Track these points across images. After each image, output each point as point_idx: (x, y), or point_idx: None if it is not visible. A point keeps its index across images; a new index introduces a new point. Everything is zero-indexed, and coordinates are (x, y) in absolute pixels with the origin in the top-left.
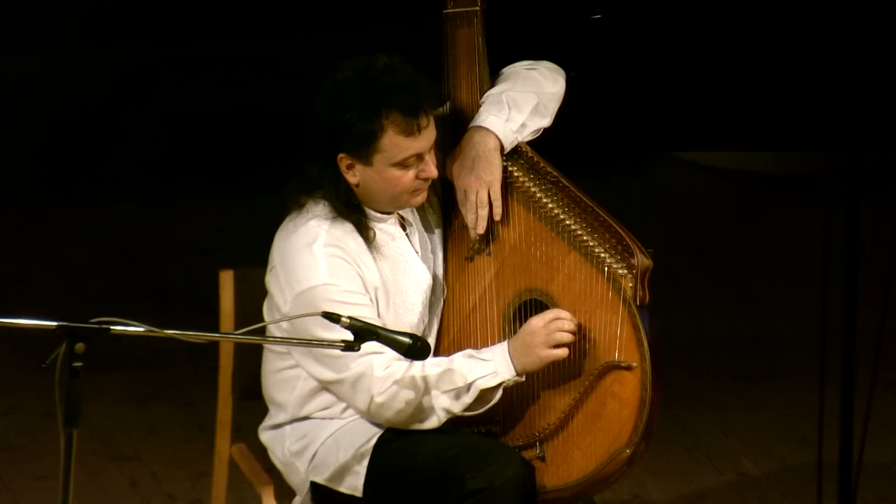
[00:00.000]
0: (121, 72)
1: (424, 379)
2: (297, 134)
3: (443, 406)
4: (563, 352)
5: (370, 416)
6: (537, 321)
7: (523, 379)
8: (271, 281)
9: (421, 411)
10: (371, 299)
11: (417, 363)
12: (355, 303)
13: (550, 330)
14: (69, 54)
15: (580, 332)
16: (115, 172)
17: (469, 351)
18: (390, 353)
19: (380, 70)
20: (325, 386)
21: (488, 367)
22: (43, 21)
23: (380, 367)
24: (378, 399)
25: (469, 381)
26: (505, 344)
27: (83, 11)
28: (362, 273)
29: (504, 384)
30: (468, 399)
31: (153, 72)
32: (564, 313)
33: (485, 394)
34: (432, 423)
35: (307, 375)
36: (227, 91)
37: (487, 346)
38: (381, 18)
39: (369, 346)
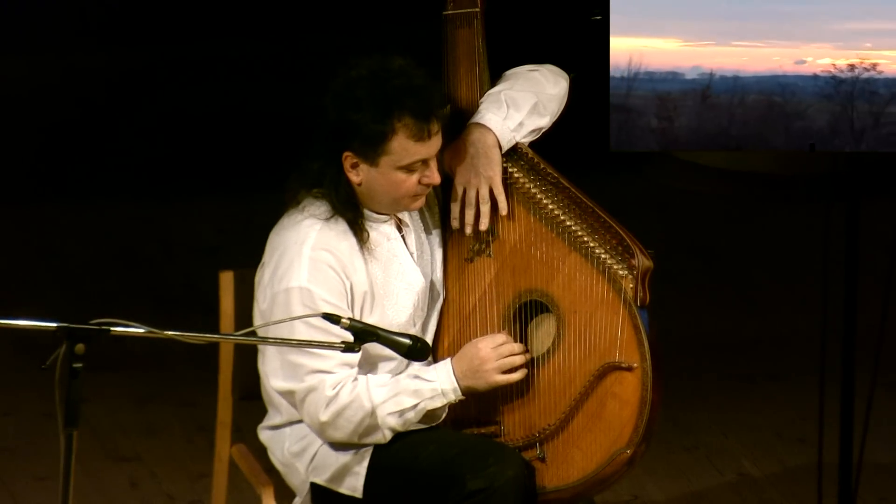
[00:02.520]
0: (120, 72)
1: (371, 400)
2: (297, 134)
3: (388, 426)
4: (518, 375)
5: (316, 432)
6: (485, 346)
7: (464, 398)
8: (258, 275)
9: (366, 431)
10: (357, 309)
11: (362, 383)
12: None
13: (501, 354)
14: (68, 55)
15: (581, 332)
16: (115, 172)
17: (414, 371)
18: (341, 374)
19: (394, 71)
20: (282, 396)
21: (434, 388)
22: (42, 22)
23: (330, 386)
24: (323, 418)
25: (415, 402)
26: (448, 364)
27: (83, 12)
28: (349, 278)
29: (449, 404)
30: (414, 418)
31: (152, 72)
32: (506, 337)
33: (430, 413)
34: (377, 440)
35: None
36: (227, 91)
37: None
38: (381, 19)
39: (323, 363)
